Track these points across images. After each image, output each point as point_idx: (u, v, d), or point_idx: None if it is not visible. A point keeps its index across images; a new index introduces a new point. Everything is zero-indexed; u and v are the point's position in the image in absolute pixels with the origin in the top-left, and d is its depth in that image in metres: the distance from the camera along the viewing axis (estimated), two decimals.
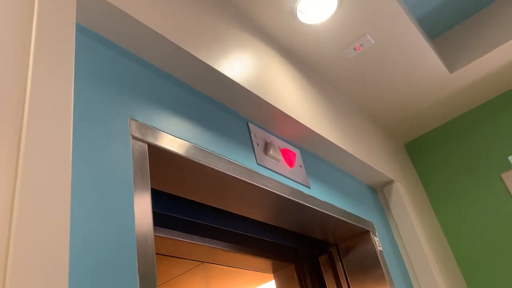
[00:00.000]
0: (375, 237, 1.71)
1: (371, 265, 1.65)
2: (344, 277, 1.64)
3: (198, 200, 1.19)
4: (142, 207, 0.82)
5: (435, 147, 2.45)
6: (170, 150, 0.96)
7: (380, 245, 1.72)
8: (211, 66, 1.16)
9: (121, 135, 0.87)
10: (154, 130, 0.95)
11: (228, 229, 1.37)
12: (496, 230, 2.13)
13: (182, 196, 1.15)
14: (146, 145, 0.90)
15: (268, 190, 1.24)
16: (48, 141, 0.67)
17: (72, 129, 0.71)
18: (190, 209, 1.24)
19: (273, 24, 1.64)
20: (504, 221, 2.11)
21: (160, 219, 1.17)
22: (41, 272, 0.57)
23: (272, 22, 1.63)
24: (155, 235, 1.18)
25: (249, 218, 1.38)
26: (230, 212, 1.32)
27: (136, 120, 0.92)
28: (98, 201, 0.75)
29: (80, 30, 0.93)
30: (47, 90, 0.70)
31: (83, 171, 0.76)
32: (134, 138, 0.88)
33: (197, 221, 1.28)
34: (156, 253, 1.35)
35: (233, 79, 1.22)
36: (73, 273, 0.65)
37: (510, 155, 2.20)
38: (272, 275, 1.81)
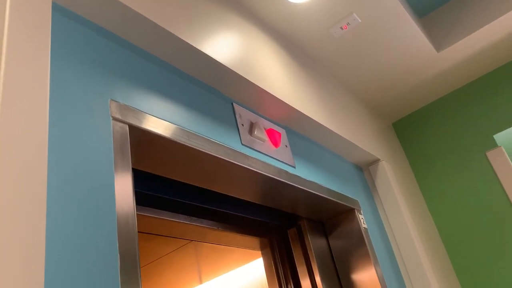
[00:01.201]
0: (360, 215, 1.74)
1: (356, 242, 1.69)
2: (311, 249, 1.62)
3: (183, 181, 1.21)
4: (123, 187, 0.83)
5: (422, 126, 2.48)
6: (152, 131, 0.96)
7: (365, 222, 1.75)
8: (194, 47, 1.15)
9: (101, 116, 0.87)
10: (136, 111, 0.95)
11: (215, 208, 1.39)
12: (481, 208, 2.17)
13: (167, 177, 1.16)
14: (127, 126, 0.90)
15: (252, 170, 1.25)
16: (24, 122, 0.67)
17: (48, 110, 0.71)
18: (176, 189, 1.26)
19: (258, 3, 1.62)
20: (488, 199, 2.16)
21: (147, 199, 1.19)
22: (16, 258, 0.58)
23: (257, 0, 1.61)
24: (142, 215, 1.20)
25: (234, 197, 1.40)
26: (216, 192, 1.33)
27: (116, 101, 0.92)
28: (78, 182, 0.76)
29: (57, 9, 0.92)
30: (22, 71, 0.70)
31: (62, 153, 0.76)
32: (115, 119, 0.88)
33: (184, 201, 1.29)
34: (145, 232, 1.38)
35: (217, 59, 1.22)
36: (51, 256, 0.66)
37: (495, 134, 2.23)
38: (260, 252, 1.85)
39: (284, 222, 1.67)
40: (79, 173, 0.77)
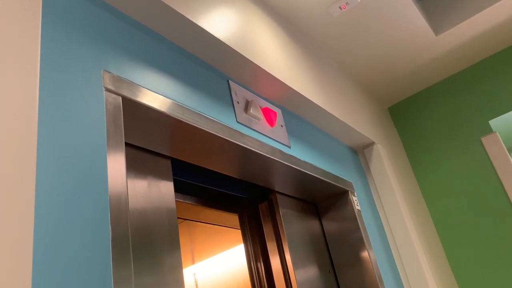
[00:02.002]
0: (353, 197, 1.75)
1: (349, 224, 1.70)
2: (282, 225, 1.51)
3: (176, 157, 1.19)
4: (115, 161, 0.81)
5: (418, 111, 2.47)
6: (146, 104, 0.94)
7: (358, 204, 1.76)
8: (191, 21, 1.13)
9: (93, 87, 0.85)
10: (129, 83, 0.93)
11: (208, 186, 1.38)
12: (474, 192, 2.19)
13: (158, 152, 1.15)
14: (120, 98, 0.89)
15: (247, 148, 1.24)
16: (13, 91, 0.65)
17: (38, 79, 0.69)
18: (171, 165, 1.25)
19: None
20: (481, 184, 2.17)
21: None
22: (3, 235, 0.57)
23: None
24: None
25: (227, 175, 1.39)
26: (209, 169, 1.32)
27: (110, 72, 0.90)
28: (68, 156, 0.74)
29: None
30: (11, 38, 0.68)
31: (52, 123, 0.74)
32: (108, 90, 0.86)
33: (178, 178, 1.28)
34: None
35: (214, 35, 1.20)
36: (39, 236, 0.65)
37: (491, 119, 2.23)
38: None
39: (256, 196, 1.58)
40: (70, 144, 0.75)
